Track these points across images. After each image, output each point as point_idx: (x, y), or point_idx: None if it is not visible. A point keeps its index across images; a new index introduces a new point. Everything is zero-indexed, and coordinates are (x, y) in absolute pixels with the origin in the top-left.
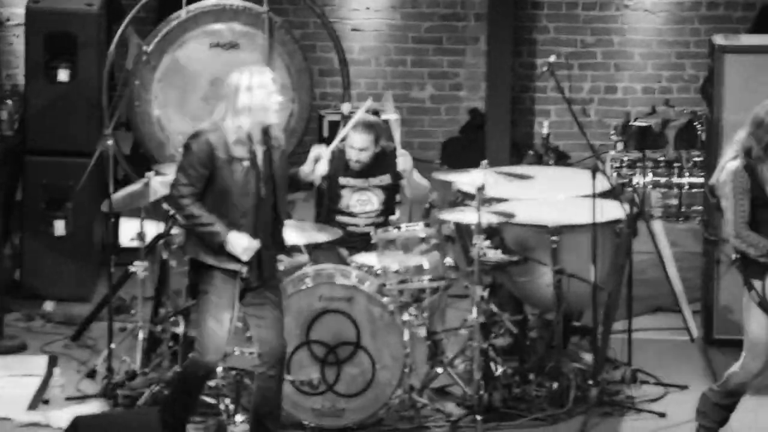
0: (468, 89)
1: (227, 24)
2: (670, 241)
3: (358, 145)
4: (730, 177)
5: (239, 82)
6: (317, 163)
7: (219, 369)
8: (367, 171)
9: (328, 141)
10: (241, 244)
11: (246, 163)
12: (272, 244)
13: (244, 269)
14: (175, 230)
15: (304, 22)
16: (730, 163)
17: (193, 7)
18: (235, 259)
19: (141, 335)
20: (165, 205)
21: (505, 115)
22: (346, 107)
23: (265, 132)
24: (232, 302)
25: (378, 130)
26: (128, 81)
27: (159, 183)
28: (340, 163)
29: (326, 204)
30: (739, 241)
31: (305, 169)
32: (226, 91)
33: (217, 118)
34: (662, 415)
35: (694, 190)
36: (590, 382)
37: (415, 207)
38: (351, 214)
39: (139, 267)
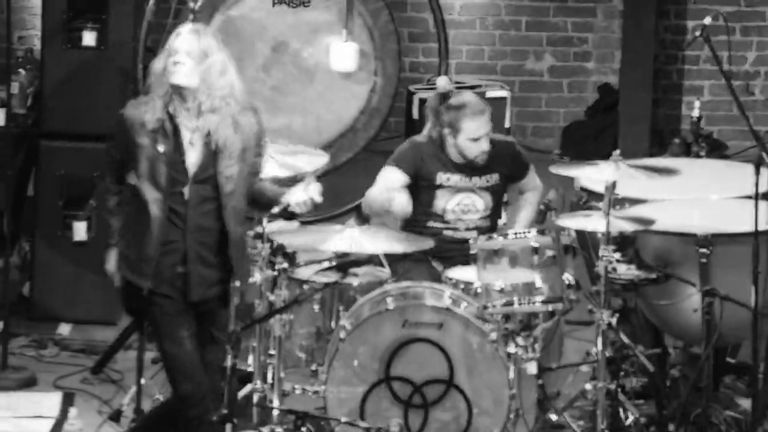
0: (597, 59)
1: None
2: None
3: (476, 133)
4: None
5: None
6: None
7: (275, 412)
8: (471, 169)
9: (419, 124)
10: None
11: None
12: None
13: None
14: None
15: None
16: None
17: None
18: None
19: None
20: None
21: (646, 93)
22: (442, 82)
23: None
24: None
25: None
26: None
27: None
28: (438, 156)
29: (418, 206)
30: None
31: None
32: None
33: None
34: None
35: None
36: None
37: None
38: (447, 220)
39: None
